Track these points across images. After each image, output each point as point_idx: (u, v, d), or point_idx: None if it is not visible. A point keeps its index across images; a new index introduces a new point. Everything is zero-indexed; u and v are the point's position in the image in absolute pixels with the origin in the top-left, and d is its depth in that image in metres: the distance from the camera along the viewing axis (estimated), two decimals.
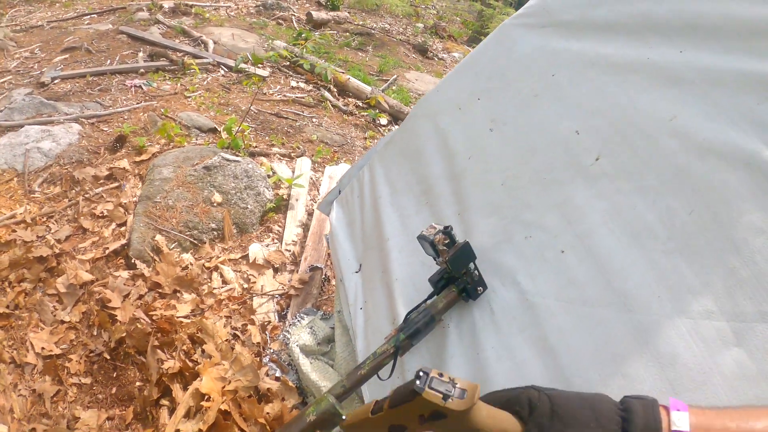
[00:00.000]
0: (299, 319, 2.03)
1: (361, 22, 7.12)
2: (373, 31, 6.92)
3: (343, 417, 0.53)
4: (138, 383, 2.04)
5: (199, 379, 1.87)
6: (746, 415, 0.44)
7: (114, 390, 2.04)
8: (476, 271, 0.95)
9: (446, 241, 0.91)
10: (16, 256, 2.41)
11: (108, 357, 2.10)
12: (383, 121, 4.54)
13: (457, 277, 0.94)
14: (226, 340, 2.06)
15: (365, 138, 4.15)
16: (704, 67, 0.79)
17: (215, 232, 2.59)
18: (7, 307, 2.28)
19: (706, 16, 0.81)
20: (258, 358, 1.99)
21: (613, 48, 0.94)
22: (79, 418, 1.92)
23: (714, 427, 0.42)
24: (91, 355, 2.13)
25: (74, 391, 2.04)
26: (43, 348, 2.15)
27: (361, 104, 4.64)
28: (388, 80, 5.42)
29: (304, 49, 4.31)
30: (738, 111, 0.73)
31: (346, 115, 4.40)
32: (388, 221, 1.52)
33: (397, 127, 4.61)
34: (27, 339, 2.19)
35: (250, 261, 2.49)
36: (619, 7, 0.96)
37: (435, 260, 0.97)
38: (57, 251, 2.47)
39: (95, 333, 2.20)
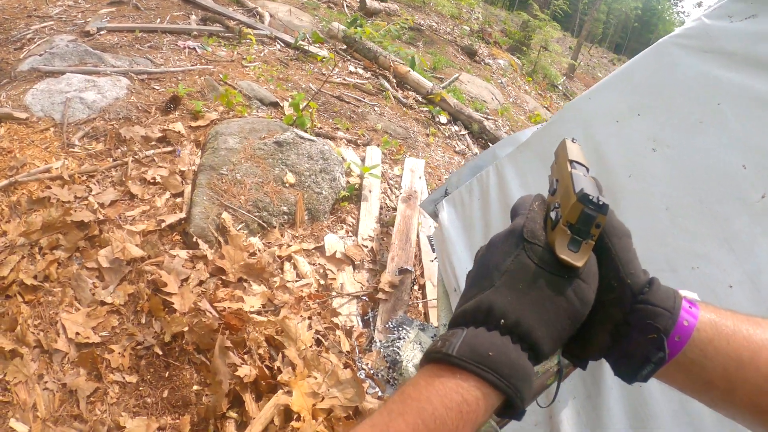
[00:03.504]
0: (404, 331, 1.67)
1: (409, 17, 6.83)
2: (422, 27, 6.63)
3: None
4: (195, 387, 1.66)
5: (282, 391, 1.49)
6: (760, 322, 0.40)
7: (166, 393, 1.66)
8: None
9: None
10: (50, 218, 2.02)
11: (159, 352, 1.72)
12: (443, 119, 4.22)
13: None
14: (310, 346, 1.68)
15: (427, 134, 3.82)
16: None
17: (286, 216, 2.22)
18: (35, 277, 1.89)
19: None
20: (350, 371, 1.62)
21: None
22: (125, 427, 1.53)
23: (726, 324, 0.39)
24: (138, 348, 1.74)
25: (116, 390, 1.65)
26: (77, 333, 1.76)
27: (420, 99, 4.32)
28: (441, 77, 5.12)
29: (385, 32, 3.98)
30: None
31: (406, 108, 4.07)
32: None
33: (457, 127, 4.29)
34: (58, 320, 1.79)
35: (327, 254, 2.12)
36: None
37: None
38: (100, 217, 2.09)
39: (144, 321, 1.81)
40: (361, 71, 4.29)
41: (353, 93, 3.81)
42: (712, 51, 1.09)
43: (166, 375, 1.69)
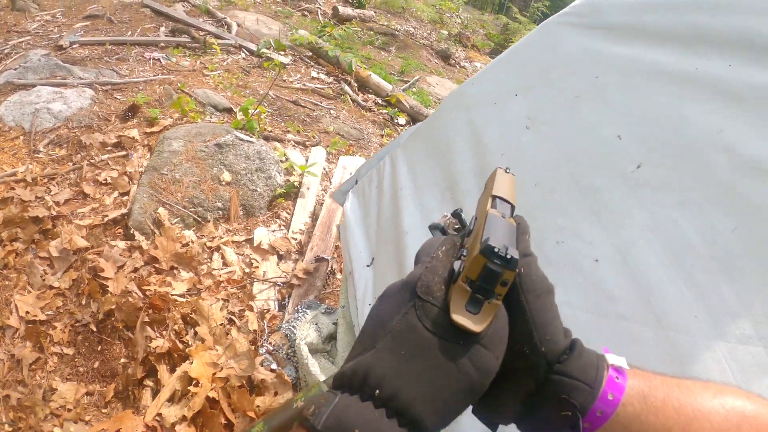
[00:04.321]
0: (302, 312, 1.91)
1: (385, 23, 7.07)
2: (397, 33, 6.87)
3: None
4: (123, 360, 1.92)
5: (189, 362, 1.75)
6: (691, 387, 0.38)
7: (96, 364, 1.92)
8: None
9: (456, 226, 0.80)
10: (11, 214, 2.30)
11: (94, 329, 1.99)
12: (401, 120, 4.44)
13: None
14: (221, 325, 1.94)
15: (382, 135, 4.06)
16: (755, 83, 0.77)
17: (221, 212, 2.48)
18: None
19: (759, 33, 0.79)
20: (254, 347, 1.87)
21: (663, 56, 0.91)
22: (56, 389, 1.80)
23: (655, 396, 0.36)
24: (76, 325, 2.01)
25: (55, 360, 1.92)
26: (27, 312, 2.03)
27: (380, 101, 4.56)
28: (409, 81, 5.35)
29: (329, 39, 4.23)
30: None
31: (365, 110, 4.31)
32: (407, 215, 1.44)
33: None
34: (12, 301, 2.07)
35: (255, 245, 2.38)
36: (672, 15, 0.93)
37: None
38: (54, 213, 2.37)
39: (84, 302, 2.08)
40: (323, 76, 4.54)
41: (311, 97, 4.06)
42: (599, 26, 1.06)
43: (99, 349, 1.96)
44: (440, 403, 0.33)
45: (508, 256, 0.33)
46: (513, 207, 0.42)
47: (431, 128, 1.50)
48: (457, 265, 0.37)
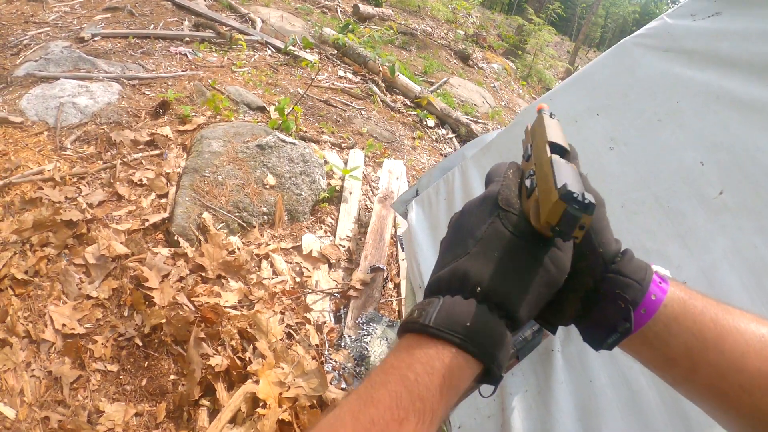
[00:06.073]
0: (371, 327, 1.77)
1: (403, 22, 6.95)
2: (415, 32, 6.74)
3: None
4: (172, 376, 1.77)
5: (252, 380, 1.60)
6: (730, 309, 0.40)
7: (144, 382, 1.76)
8: None
9: None
10: (41, 217, 2.13)
11: (140, 343, 1.83)
12: (431, 122, 4.32)
13: None
14: (281, 339, 1.79)
15: (413, 138, 3.93)
16: None
17: (265, 217, 2.33)
18: (26, 272, 2.00)
19: None
20: (320, 364, 1.73)
21: (736, 84, 0.94)
22: (104, 412, 1.64)
23: (694, 305, 0.39)
24: (119, 339, 1.85)
25: (97, 378, 1.76)
26: (64, 325, 1.87)
27: (408, 103, 4.43)
28: (432, 81, 5.22)
29: (367, 39, 4.09)
30: None
31: (394, 111, 4.17)
32: None
33: (444, 131, 4.39)
34: (46, 312, 1.90)
35: (304, 253, 2.23)
36: (744, 44, 0.95)
37: None
38: (88, 216, 2.20)
39: (126, 314, 1.92)
40: (350, 76, 4.40)
41: (341, 97, 3.92)
42: (674, 50, 1.08)
43: (145, 365, 1.80)
44: (529, 296, 0.37)
45: (587, 201, 0.34)
46: (568, 150, 0.43)
47: (507, 141, 1.48)
48: (528, 183, 0.41)
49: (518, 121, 1.48)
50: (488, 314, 0.36)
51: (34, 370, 1.76)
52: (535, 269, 0.38)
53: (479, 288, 0.36)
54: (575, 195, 0.33)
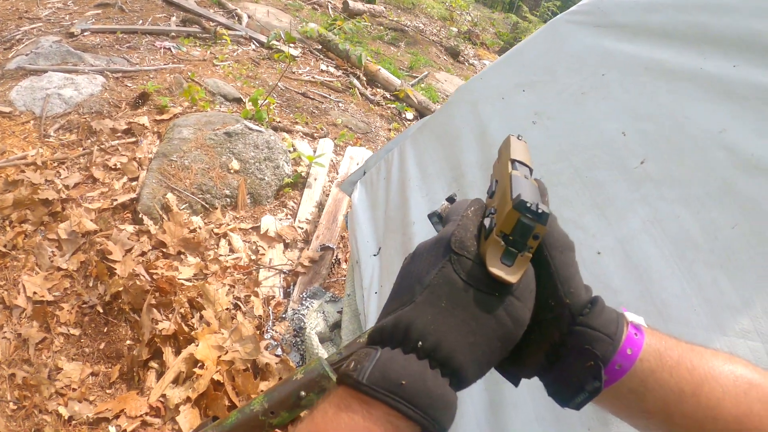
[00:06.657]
0: (308, 301, 1.90)
1: (395, 18, 7.06)
2: (406, 29, 6.85)
3: (333, 379, 0.44)
4: (128, 342, 1.93)
5: (194, 344, 1.75)
6: (703, 352, 0.39)
7: (102, 345, 1.93)
8: None
9: None
10: (20, 196, 2.31)
11: (101, 310, 1.99)
12: (409, 115, 4.43)
13: None
14: (227, 309, 1.94)
15: (389, 129, 4.05)
16: (757, 84, 0.78)
17: (228, 199, 2.48)
18: (5, 246, 2.18)
19: (762, 34, 0.81)
20: (259, 332, 1.87)
21: (668, 55, 0.93)
22: (62, 369, 1.81)
23: (670, 355, 0.38)
24: (83, 306, 2.02)
25: (61, 341, 1.93)
26: (34, 292, 2.04)
27: (388, 96, 4.55)
28: (417, 77, 5.33)
29: (340, 32, 4.22)
30: None
31: (373, 104, 4.30)
32: (415, 205, 1.46)
33: None
34: (20, 281, 2.08)
35: (261, 232, 2.38)
36: (677, 15, 0.95)
37: None
38: (63, 196, 2.38)
39: (91, 284, 2.09)
40: (332, 70, 4.53)
41: (320, 90, 4.06)
42: (605, 25, 1.07)
43: (105, 330, 1.96)
44: (479, 353, 0.34)
45: (540, 210, 0.34)
46: (531, 170, 0.44)
47: (439, 121, 1.51)
48: (487, 222, 0.38)
49: (453, 100, 1.49)
50: (429, 373, 0.33)
51: (5, 332, 1.94)
52: (487, 323, 0.34)
53: (421, 343, 0.33)
54: (528, 204, 0.34)
